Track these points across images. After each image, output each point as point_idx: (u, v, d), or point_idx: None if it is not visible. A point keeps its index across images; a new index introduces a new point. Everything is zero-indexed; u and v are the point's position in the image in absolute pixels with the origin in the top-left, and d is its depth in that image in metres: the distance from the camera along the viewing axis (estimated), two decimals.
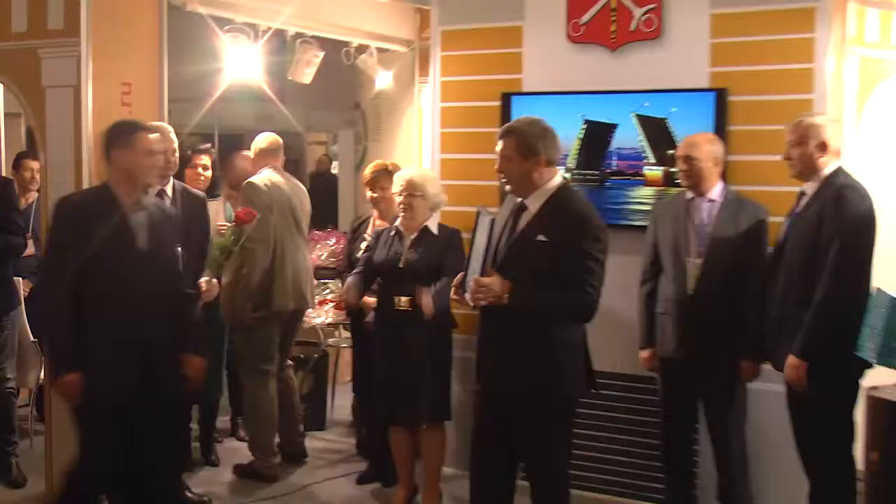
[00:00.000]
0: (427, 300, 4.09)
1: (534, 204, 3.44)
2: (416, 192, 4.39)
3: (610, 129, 4.80)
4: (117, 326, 3.39)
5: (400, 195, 4.43)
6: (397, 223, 4.54)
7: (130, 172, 3.53)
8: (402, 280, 4.38)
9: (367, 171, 5.01)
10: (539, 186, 3.43)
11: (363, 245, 4.90)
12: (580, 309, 3.34)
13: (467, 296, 3.34)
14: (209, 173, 5.09)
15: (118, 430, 3.44)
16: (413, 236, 4.46)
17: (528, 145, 3.40)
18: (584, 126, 4.85)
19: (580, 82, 4.81)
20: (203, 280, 4.43)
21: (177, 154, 4.37)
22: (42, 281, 3.86)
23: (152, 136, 3.61)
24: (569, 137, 4.81)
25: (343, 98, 8.30)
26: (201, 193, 4.65)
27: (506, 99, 4.99)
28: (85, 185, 4.24)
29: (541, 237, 3.36)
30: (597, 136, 4.83)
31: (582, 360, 3.48)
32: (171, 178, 4.39)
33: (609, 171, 4.83)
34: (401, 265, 4.40)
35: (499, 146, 3.47)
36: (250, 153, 5.23)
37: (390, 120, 6.95)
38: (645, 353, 4.25)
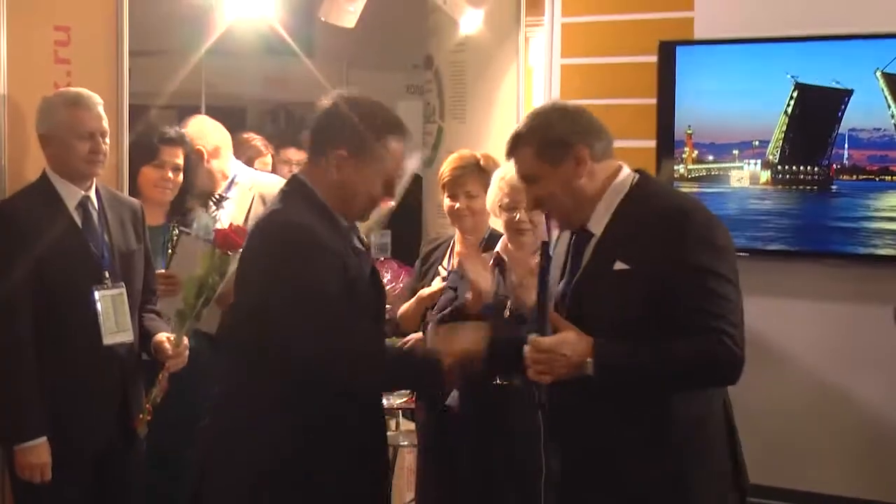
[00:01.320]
0: None
1: (599, 222, 3.27)
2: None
3: (839, 98, 4.78)
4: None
5: (510, 206, 4.23)
6: (499, 248, 4.34)
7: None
8: None
9: (446, 166, 4.83)
10: (595, 196, 3.28)
11: (435, 283, 4.72)
12: (712, 363, 3.09)
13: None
14: (181, 178, 4.99)
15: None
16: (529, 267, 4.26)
17: (553, 141, 3.23)
18: (795, 93, 4.86)
19: (788, 22, 4.91)
20: (163, 337, 4.32)
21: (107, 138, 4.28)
22: None
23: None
24: (768, 113, 4.87)
25: (405, 51, 8.38)
26: (135, 201, 4.55)
27: (667, 51, 5.04)
28: None
29: (620, 265, 3.15)
30: (817, 110, 4.85)
31: (726, 464, 3.26)
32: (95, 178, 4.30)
33: (838, 167, 4.81)
34: (507, 312, 4.20)
35: (511, 172, 3.42)
36: (257, 137, 5.12)
37: (480, 85, 6.87)
38: None
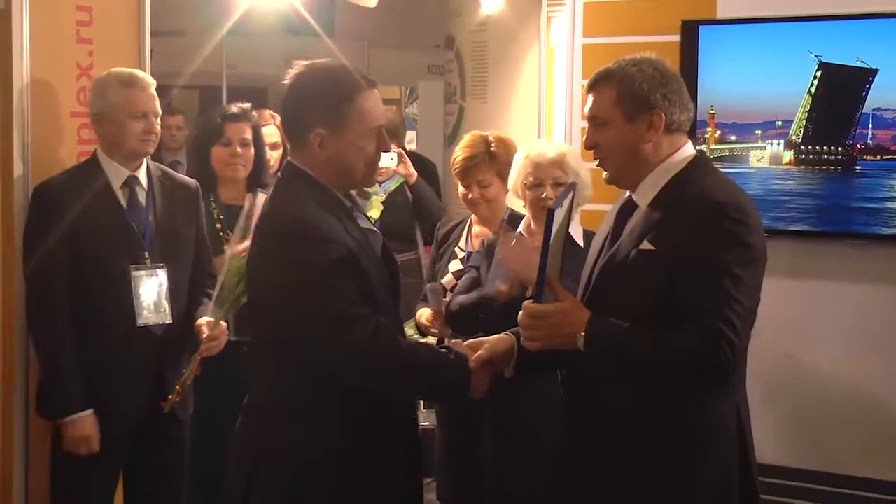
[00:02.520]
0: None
1: (644, 196, 3.22)
2: (570, 179, 4.18)
3: (863, 77, 4.74)
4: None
5: (535, 184, 4.21)
6: (521, 228, 4.32)
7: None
8: None
9: (457, 154, 4.77)
10: (650, 167, 3.22)
11: (452, 265, 4.77)
12: (702, 362, 3.01)
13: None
14: (252, 152, 4.99)
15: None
16: None
17: (637, 96, 3.15)
18: (819, 73, 4.82)
19: (812, 0, 4.88)
20: (203, 321, 4.31)
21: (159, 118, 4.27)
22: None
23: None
24: (791, 93, 4.84)
25: (426, 30, 8.39)
26: (192, 182, 4.53)
27: (689, 30, 4.99)
28: (17, 159, 4.21)
29: (646, 245, 3.11)
30: (840, 89, 4.81)
31: (729, 461, 3.17)
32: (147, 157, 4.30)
33: (861, 146, 4.78)
34: (528, 295, 4.17)
35: (588, 105, 3.27)
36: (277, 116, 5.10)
37: (502, 65, 6.92)
38: None
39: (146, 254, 4.06)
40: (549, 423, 4.29)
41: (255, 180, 4.90)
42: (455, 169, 4.75)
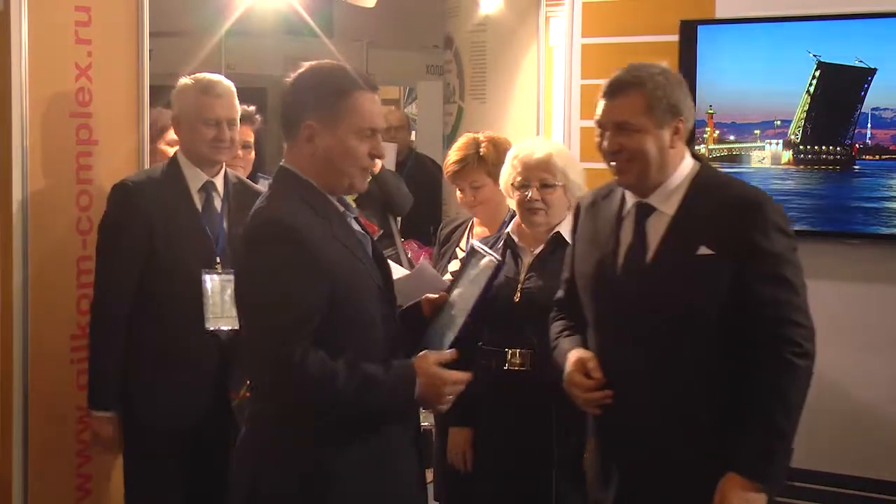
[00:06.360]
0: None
1: (666, 200, 3.26)
2: (557, 181, 4.17)
3: (862, 77, 4.72)
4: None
5: (522, 184, 4.20)
6: (509, 229, 4.32)
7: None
8: (515, 322, 4.18)
9: (449, 158, 4.79)
10: (672, 171, 3.29)
11: (451, 265, 4.74)
12: (795, 382, 3.18)
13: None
14: (252, 155, 5.03)
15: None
16: (537, 250, 4.24)
17: (669, 103, 3.21)
18: (818, 72, 4.81)
19: (810, 0, 4.85)
20: None
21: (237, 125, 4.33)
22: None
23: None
24: (789, 92, 4.82)
25: (425, 31, 8.41)
26: (262, 190, 4.55)
27: (688, 30, 4.97)
28: (15, 160, 4.21)
29: (704, 250, 3.16)
30: (839, 89, 4.78)
31: None
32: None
33: (860, 146, 4.76)
34: (516, 298, 4.18)
35: (610, 110, 3.27)
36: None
37: (501, 65, 6.88)
38: None
39: (217, 259, 4.10)
40: (541, 427, 4.33)
41: (254, 182, 4.89)
42: (447, 173, 4.76)
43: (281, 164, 3.21)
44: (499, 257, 3.40)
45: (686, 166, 3.29)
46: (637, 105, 3.21)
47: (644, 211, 3.29)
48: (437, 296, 3.46)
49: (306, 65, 3.23)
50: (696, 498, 3.21)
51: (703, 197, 3.24)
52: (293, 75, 3.19)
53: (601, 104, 3.25)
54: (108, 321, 4.03)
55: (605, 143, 3.26)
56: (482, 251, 3.39)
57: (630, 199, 3.33)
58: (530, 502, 4.24)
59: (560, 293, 3.68)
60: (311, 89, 3.17)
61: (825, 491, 5.09)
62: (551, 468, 4.19)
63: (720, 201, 3.21)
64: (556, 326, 3.65)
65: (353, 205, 3.35)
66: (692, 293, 3.19)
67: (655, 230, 3.26)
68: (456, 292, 3.35)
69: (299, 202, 3.08)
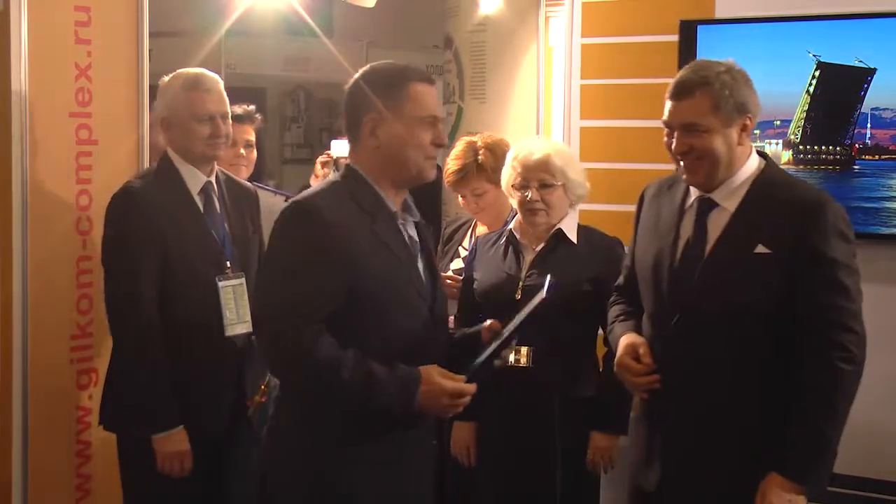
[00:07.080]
0: None
1: (729, 197, 3.28)
2: (556, 180, 4.18)
3: (862, 77, 4.69)
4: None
5: (522, 185, 4.21)
6: (511, 226, 4.32)
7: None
8: None
9: (448, 165, 4.78)
10: (739, 168, 3.31)
11: (454, 264, 4.76)
12: (844, 387, 3.24)
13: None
14: (254, 154, 5.01)
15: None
16: (539, 248, 4.24)
17: (736, 102, 3.23)
18: (817, 72, 4.78)
19: (810, 0, 4.83)
20: None
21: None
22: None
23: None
24: (789, 92, 4.80)
25: (424, 31, 8.38)
26: (251, 186, 4.53)
27: (687, 30, 4.95)
28: (15, 160, 4.21)
29: (762, 248, 3.17)
30: (839, 89, 4.76)
31: None
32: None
33: (860, 146, 4.74)
34: (518, 295, 4.18)
35: (677, 112, 3.28)
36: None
37: (500, 65, 6.84)
38: None
39: (227, 262, 4.00)
40: (544, 428, 4.33)
41: (256, 182, 4.87)
42: (447, 182, 4.76)
43: (348, 163, 3.23)
44: (547, 294, 3.40)
45: (752, 164, 3.31)
46: (704, 105, 3.22)
47: (706, 206, 3.31)
48: (492, 322, 3.47)
49: (362, 69, 3.24)
50: (736, 490, 3.24)
51: (766, 196, 3.26)
52: (351, 80, 3.20)
53: (668, 104, 3.27)
54: (149, 343, 3.79)
55: (674, 144, 3.28)
56: (542, 290, 3.41)
57: (693, 193, 3.35)
58: (533, 497, 4.26)
59: (620, 279, 3.72)
60: (370, 85, 3.17)
61: (824, 491, 5.09)
62: (554, 465, 4.22)
63: (782, 201, 3.22)
64: (613, 311, 3.68)
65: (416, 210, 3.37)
66: (746, 290, 3.21)
67: (716, 225, 3.29)
68: (510, 324, 3.36)
69: (344, 195, 3.09)
